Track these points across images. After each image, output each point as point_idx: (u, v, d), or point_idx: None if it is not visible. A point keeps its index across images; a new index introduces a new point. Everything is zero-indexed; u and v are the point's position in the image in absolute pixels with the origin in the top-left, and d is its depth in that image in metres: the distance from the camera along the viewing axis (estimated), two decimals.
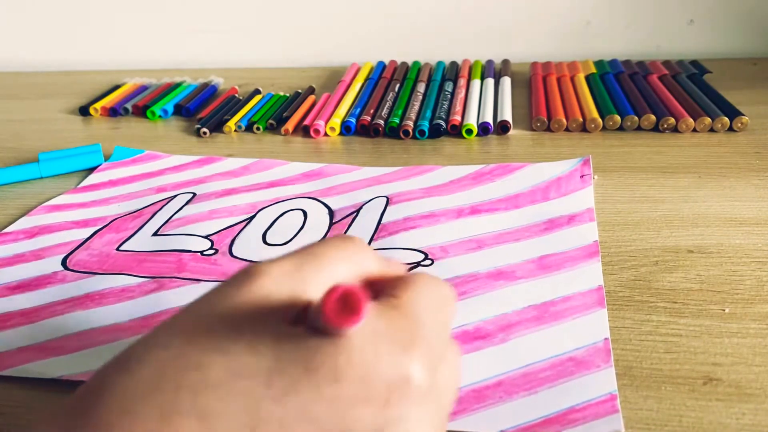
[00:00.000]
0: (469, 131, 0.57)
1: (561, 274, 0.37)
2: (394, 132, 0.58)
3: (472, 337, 0.32)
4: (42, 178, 0.54)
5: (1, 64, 0.89)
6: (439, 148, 0.55)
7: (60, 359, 0.32)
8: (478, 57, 0.77)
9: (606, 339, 0.32)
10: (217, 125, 0.62)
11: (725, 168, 0.49)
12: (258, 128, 0.61)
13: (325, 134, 0.59)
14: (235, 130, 0.62)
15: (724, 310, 0.33)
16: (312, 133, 0.59)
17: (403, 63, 0.77)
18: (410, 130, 0.57)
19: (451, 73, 0.71)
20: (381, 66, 0.76)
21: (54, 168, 0.54)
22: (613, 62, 0.72)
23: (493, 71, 0.71)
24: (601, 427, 0.27)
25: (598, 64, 0.71)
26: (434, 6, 0.80)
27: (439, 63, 0.76)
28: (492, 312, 0.34)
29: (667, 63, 0.70)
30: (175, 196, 0.49)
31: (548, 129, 0.58)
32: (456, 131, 0.58)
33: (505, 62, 0.75)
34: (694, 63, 0.70)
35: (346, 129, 0.59)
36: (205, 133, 0.61)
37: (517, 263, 0.38)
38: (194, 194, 0.49)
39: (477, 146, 0.55)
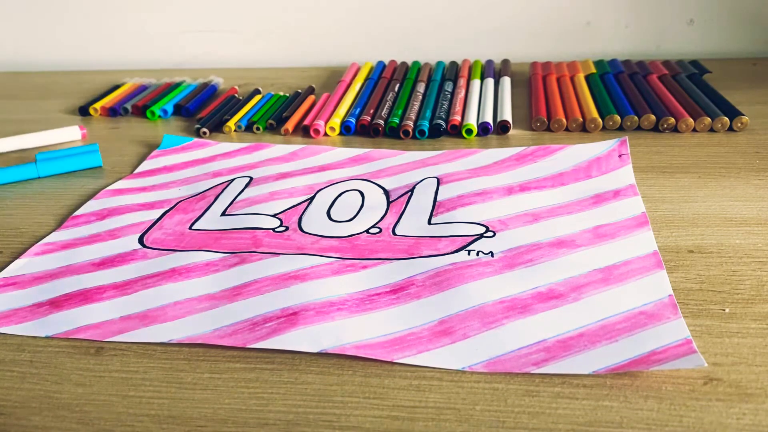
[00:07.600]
0: (469, 131, 0.57)
1: (617, 241, 0.39)
2: (394, 132, 0.58)
3: (546, 297, 0.35)
4: (40, 178, 0.54)
5: (1, 64, 0.89)
6: (439, 149, 0.55)
7: (164, 325, 0.34)
8: (478, 57, 0.77)
9: (670, 295, 0.34)
10: (216, 125, 0.62)
11: (725, 168, 0.49)
12: (258, 128, 0.61)
13: (325, 134, 0.59)
14: (235, 130, 0.62)
15: (724, 310, 0.33)
16: (312, 133, 0.59)
17: (403, 63, 0.76)
18: (410, 130, 0.57)
19: (451, 73, 0.71)
20: (381, 66, 0.76)
21: (51, 168, 0.54)
22: (613, 62, 0.72)
23: (493, 71, 0.71)
24: (684, 364, 0.29)
25: (598, 64, 0.71)
26: (434, 6, 0.80)
27: (439, 63, 0.76)
28: (560, 276, 0.36)
29: (667, 63, 0.70)
30: (232, 180, 0.51)
31: (548, 129, 0.58)
32: (456, 131, 0.58)
33: (505, 62, 0.75)
34: (694, 63, 0.70)
35: (345, 129, 0.59)
36: (204, 132, 0.61)
37: (575, 233, 0.40)
38: (251, 178, 0.51)
39: (477, 146, 0.55)
